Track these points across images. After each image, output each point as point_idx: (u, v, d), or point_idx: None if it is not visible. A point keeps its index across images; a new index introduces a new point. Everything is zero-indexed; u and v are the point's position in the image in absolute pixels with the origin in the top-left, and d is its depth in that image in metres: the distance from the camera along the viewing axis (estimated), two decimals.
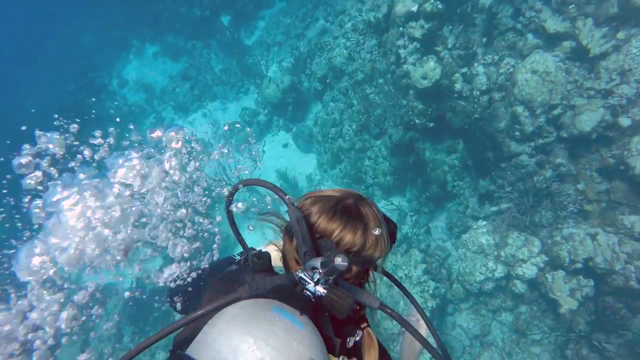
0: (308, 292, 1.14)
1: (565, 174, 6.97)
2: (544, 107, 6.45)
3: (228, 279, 1.37)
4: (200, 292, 1.48)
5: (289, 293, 1.11)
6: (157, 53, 13.56)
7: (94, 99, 12.20)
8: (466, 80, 7.40)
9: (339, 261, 1.09)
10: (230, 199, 1.51)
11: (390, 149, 8.19)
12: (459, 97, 7.37)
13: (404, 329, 1.30)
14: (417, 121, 7.56)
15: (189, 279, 1.63)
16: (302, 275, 1.16)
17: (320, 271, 1.13)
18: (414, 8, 7.30)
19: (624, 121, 6.60)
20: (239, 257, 1.64)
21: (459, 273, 7.15)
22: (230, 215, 1.54)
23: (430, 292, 7.09)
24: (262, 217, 1.41)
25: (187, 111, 11.84)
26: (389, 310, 1.28)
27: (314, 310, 1.11)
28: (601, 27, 7.09)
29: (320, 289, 1.13)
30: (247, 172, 9.64)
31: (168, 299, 1.69)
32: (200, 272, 1.65)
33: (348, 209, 1.29)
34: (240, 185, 1.49)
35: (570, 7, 7.29)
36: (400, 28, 7.59)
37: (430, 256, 7.56)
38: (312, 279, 1.15)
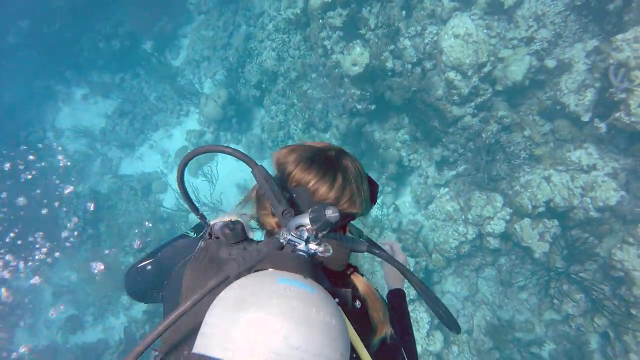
0: (301, 253, 1.04)
1: (509, 124, 7.16)
2: (474, 67, 6.58)
3: (202, 259, 1.21)
4: (170, 279, 1.31)
5: (282, 258, 1.02)
6: (86, 95, 13.02)
7: (31, 157, 11.65)
8: (395, 56, 7.44)
9: (330, 213, 1.04)
10: (182, 170, 1.33)
11: (340, 139, 8.20)
12: (392, 74, 7.41)
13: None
14: (359, 107, 7.58)
15: (149, 267, 1.46)
16: (289, 236, 1.06)
17: (308, 227, 1.07)
18: None
19: (550, 63, 6.82)
20: (193, 233, 1.52)
21: (435, 243, 7.28)
22: (182, 186, 1.38)
23: (412, 268, 7.20)
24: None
25: (133, 147, 11.49)
26: (377, 251, 1.26)
27: (313, 270, 1.03)
28: None
29: (313, 246, 1.06)
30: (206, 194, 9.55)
31: (127, 290, 1.56)
32: (157, 256, 1.48)
33: (328, 159, 1.23)
34: (190, 157, 1.30)
35: None
36: (320, 20, 7.54)
37: (404, 233, 7.65)
38: (301, 237, 1.06)
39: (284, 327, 0.78)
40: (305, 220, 1.07)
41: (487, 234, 6.76)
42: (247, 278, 0.93)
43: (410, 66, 7.42)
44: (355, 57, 7.06)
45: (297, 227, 1.08)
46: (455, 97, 6.89)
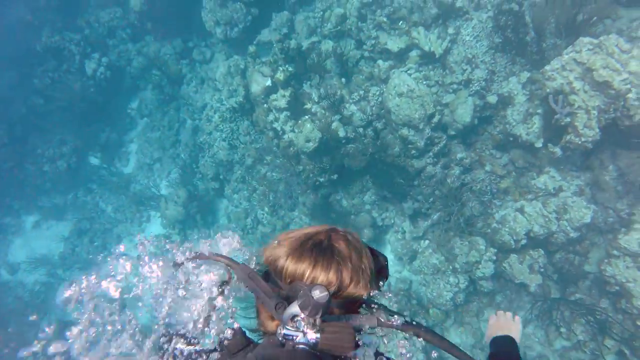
0: (302, 346, 0.97)
1: (469, 164, 7.28)
2: (424, 120, 6.73)
3: None
4: None
5: (282, 357, 0.96)
6: (38, 221, 12.44)
7: None
8: (345, 123, 7.54)
9: (317, 294, 0.96)
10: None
11: (309, 214, 8.07)
12: (347, 141, 7.47)
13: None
14: (321, 179, 7.53)
15: None
16: (285, 331, 0.99)
17: (302, 316, 0.97)
18: (268, 82, 7.38)
19: (492, 98, 7.09)
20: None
21: (428, 299, 7.09)
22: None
23: None
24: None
25: (97, 266, 10.89)
26: (390, 322, 1.11)
27: None
28: (432, 29, 7.65)
29: (312, 335, 0.97)
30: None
31: None
32: None
33: (318, 244, 1.12)
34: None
35: (400, 23, 7.80)
36: (265, 105, 7.62)
37: (395, 294, 7.43)
38: (298, 329, 0.98)
39: None
40: (296, 309, 0.98)
41: (479, 279, 6.65)
42: None
43: (361, 129, 7.52)
44: (307, 134, 7.09)
45: (292, 319, 0.99)
46: (413, 151, 6.98)
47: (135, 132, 12.09)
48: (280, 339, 1.00)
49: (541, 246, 6.58)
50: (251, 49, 8.59)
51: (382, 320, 1.11)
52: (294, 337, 0.98)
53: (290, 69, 7.69)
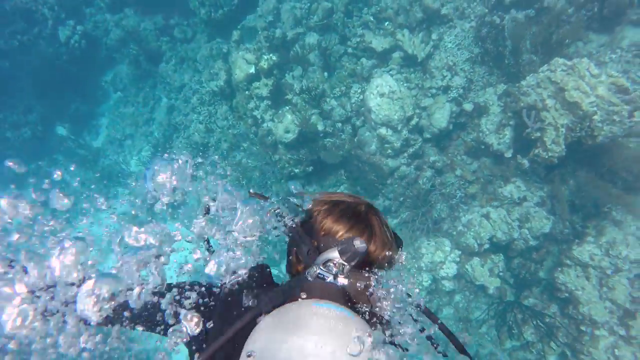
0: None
1: (441, 167, 7.54)
2: (403, 121, 6.91)
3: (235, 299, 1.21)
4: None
5: (315, 287, 1.05)
6: None
7: None
8: (324, 117, 7.64)
9: (358, 244, 1.06)
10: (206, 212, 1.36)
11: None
12: (324, 135, 7.58)
13: None
14: (297, 170, 7.62)
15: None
16: (318, 270, 1.09)
17: (336, 262, 1.09)
18: (252, 70, 7.37)
19: (468, 106, 7.34)
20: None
21: None
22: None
23: None
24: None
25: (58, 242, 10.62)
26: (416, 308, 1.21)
27: (345, 299, 1.05)
28: (416, 32, 7.82)
29: (342, 280, 1.08)
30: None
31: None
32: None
33: (357, 213, 1.26)
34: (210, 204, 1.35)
35: (386, 24, 7.93)
36: (247, 91, 7.61)
37: None
38: (329, 272, 1.09)
39: (330, 343, 0.83)
40: (333, 254, 1.10)
41: (442, 278, 6.95)
42: (287, 306, 0.96)
43: (340, 125, 7.64)
44: (287, 125, 7.15)
45: (325, 263, 1.10)
46: (389, 151, 7.16)
47: (107, 106, 11.77)
48: (309, 277, 1.09)
49: (502, 251, 6.94)
50: (235, 34, 8.53)
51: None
52: (326, 278, 1.08)
53: (274, 58, 7.71)
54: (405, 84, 7.40)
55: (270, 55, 7.68)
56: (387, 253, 1.26)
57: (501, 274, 6.86)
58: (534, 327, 6.82)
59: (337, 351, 0.83)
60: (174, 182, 1.36)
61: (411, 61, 7.82)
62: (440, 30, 7.82)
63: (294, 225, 1.25)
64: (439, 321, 1.23)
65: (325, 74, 8.05)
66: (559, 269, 6.56)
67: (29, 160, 11.73)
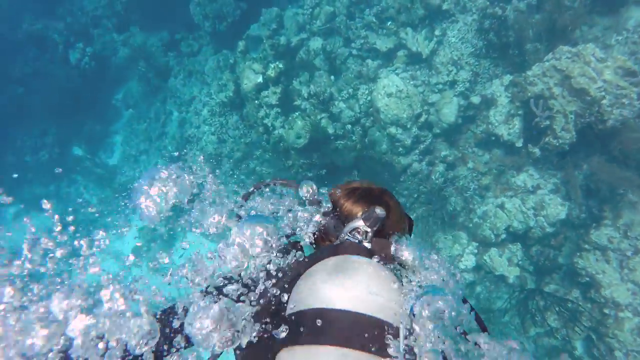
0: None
1: (453, 161, 7.61)
2: (412, 119, 7.00)
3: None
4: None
5: (350, 246, 1.22)
6: (19, 211, 12.29)
7: None
8: (334, 120, 7.76)
9: (379, 211, 1.23)
10: (246, 199, 1.55)
11: None
12: (335, 138, 7.70)
13: None
14: (310, 174, 7.75)
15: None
16: (346, 237, 1.27)
17: (361, 229, 1.25)
18: (260, 79, 7.52)
19: (475, 99, 7.40)
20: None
21: None
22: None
23: None
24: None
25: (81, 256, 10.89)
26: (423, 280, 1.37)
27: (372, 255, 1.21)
28: (419, 30, 7.90)
29: (366, 244, 1.24)
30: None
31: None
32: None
33: (372, 195, 1.44)
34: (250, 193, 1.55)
35: (389, 23, 8.03)
36: (256, 101, 7.76)
37: None
38: (355, 238, 1.26)
39: (366, 281, 1.03)
40: (358, 223, 1.27)
41: (461, 271, 7.01)
42: (333, 259, 1.14)
43: (350, 127, 7.75)
44: (299, 130, 7.29)
45: (351, 231, 1.28)
46: (400, 149, 7.26)
47: (120, 124, 12.03)
48: (339, 242, 1.27)
49: (519, 240, 6.98)
50: (241, 45, 8.69)
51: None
52: (353, 242, 1.26)
53: (280, 65, 7.85)
54: (411, 82, 7.48)
55: (277, 63, 7.82)
56: (401, 225, 1.45)
57: (520, 262, 6.91)
58: (557, 313, 6.86)
59: (373, 287, 1.03)
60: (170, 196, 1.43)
61: (416, 58, 7.91)
62: (443, 26, 7.90)
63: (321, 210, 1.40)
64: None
65: (332, 77, 8.17)
66: (578, 254, 6.58)
67: (48, 182, 12.05)
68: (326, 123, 7.62)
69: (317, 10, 8.97)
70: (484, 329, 1.38)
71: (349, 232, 1.28)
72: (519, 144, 7.00)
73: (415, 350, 0.99)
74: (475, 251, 6.95)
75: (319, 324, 0.98)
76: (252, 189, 1.57)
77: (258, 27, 9.45)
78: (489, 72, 7.68)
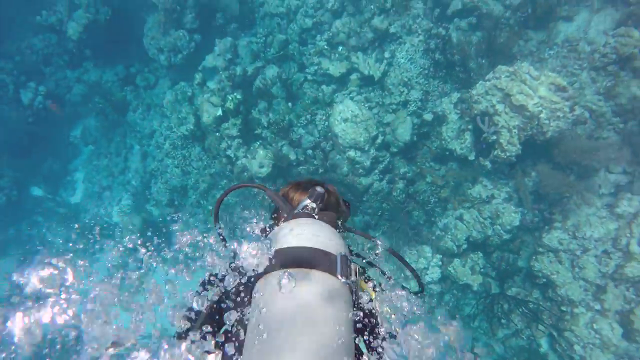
0: None
1: (412, 177, 7.95)
2: (369, 142, 7.29)
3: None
4: None
5: (300, 214, 1.58)
6: None
7: None
8: (295, 146, 7.97)
9: (319, 189, 1.67)
10: (218, 205, 1.95)
11: None
12: (297, 164, 7.91)
13: None
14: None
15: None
16: (298, 211, 1.63)
17: (308, 205, 1.63)
18: (219, 112, 7.66)
19: (428, 116, 7.77)
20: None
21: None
22: (217, 220, 1.94)
23: None
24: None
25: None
26: (354, 233, 1.85)
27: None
28: (369, 53, 8.24)
29: (314, 216, 1.60)
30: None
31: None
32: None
33: (313, 184, 1.81)
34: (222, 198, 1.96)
35: (340, 49, 8.33)
36: (217, 133, 7.88)
37: None
38: (305, 213, 1.62)
39: (310, 229, 1.40)
40: (306, 201, 1.65)
41: (428, 283, 7.32)
42: (287, 223, 1.48)
43: (311, 152, 7.97)
44: (261, 160, 7.45)
45: (303, 208, 1.63)
46: (360, 170, 7.53)
47: (79, 161, 11.84)
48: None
49: (480, 249, 7.36)
50: (197, 77, 8.80)
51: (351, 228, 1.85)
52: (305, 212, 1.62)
53: (238, 96, 8.01)
54: (366, 104, 7.80)
55: (235, 94, 7.98)
56: (340, 207, 1.87)
57: (482, 270, 7.28)
58: (521, 315, 7.25)
59: (315, 231, 1.39)
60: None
61: (369, 81, 8.24)
62: (391, 48, 8.27)
63: (273, 191, 1.83)
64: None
65: (290, 104, 8.39)
66: (534, 257, 7.01)
67: (6, 225, 11.69)
68: (287, 150, 7.81)
69: (270, 38, 9.20)
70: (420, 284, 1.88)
71: (301, 209, 1.64)
72: (472, 157, 7.40)
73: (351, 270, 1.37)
74: (440, 263, 7.28)
75: (281, 257, 1.31)
76: (224, 193, 1.97)
77: (213, 57, 9.58)
78: (438, 90, 8.08)
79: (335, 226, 1.68)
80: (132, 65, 11.10)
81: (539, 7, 7.96)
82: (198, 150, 8.97)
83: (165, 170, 9.46)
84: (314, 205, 1.66)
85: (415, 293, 1.95)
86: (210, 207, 8.99)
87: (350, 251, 1.72)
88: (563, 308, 6.90)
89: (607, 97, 7.14)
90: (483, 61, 7.76)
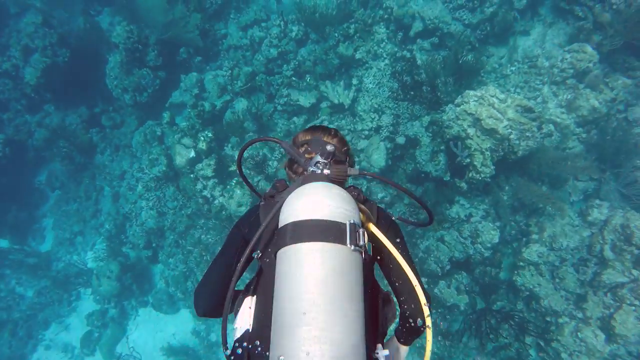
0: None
1: (390, 200, 8.01)
2: None
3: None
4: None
5: (314, 177, 1.64)
6: None
7: None
8: (271, 180, 7.91)
9: (329, 147, 1.73)
10: (240, 158, 2.03)
11: (248, 269, 8.31)
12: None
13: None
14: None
15: None
16: (312, 168, 1.69)
17: (320, 161, 1.69)
18: (192, 154, 7.53)
19: (400, 140, 7.86)
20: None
21: None
22: (240, 170, 2.08)
23: None
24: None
25: (25, 359, 10.16)
26: (368, 176, 1.90)
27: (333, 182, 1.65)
28: (337, 80, 8.29)
29: (326, 171, 1.68)
30: None
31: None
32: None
33: (320, 127, 1.94)
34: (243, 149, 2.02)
35: (307, 78, 8.35)
36: (191, 175, 7.75)
37: None
38: (318, 168, 1.69)
39: (321, 197, 1.42)
40: (318, 158, 1.72)
41: None
42: (300, 187, 1.51)
43: None
44: (239, 199, 7.37)
45: (315, 164, 1.70)
46: None
47: (47, 207, 11.42)
48: (309, 172, 1.68)
49: (463, 268, 7.47)
50: (166, 116, 8.65)
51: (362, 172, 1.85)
52: (316, 171, 1.68)
53: (209, 134, 7.91)
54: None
55: (206, 132, 7.88)
56: (346, 148, 1.92)
57: (467, 289, 7.38)
58: (507, 328, 7.39)
59: (325, 199, 1.42)
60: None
61: (339, 109, 8.28)
62: (359, 74, 8.34)
63: (290, 147, 1.86)
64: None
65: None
66: (515, 272, 7.17)
67: None
68: (264, 185, 7.75)
69: (236, 71, 9.13)
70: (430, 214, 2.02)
71: (314, 165, 1.70)
72: (447, 177, 7.52)
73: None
74: (425, 286, 7.33)
75: (294, 231, 1.35)
76: (243, 146, 2.02)
77: (180, 93, 9.45)
78: (408, 112, 8.19)
79: (346, 182, 1.81)
80: (95, 106, 10.80)
81: (497, 24, 8.21)
82: (172, 190, 8.79)
83: (139, 213, 9.22)
84: (325, 161, 1.72)
85: (424, 224, 2.18)
86: (189, 247, 8.82)
87: (365, 198, 1.80)
88: (548, 319, 7.07)
89: (569, 110, 7.42)
90: (449, 79, 7.92)
